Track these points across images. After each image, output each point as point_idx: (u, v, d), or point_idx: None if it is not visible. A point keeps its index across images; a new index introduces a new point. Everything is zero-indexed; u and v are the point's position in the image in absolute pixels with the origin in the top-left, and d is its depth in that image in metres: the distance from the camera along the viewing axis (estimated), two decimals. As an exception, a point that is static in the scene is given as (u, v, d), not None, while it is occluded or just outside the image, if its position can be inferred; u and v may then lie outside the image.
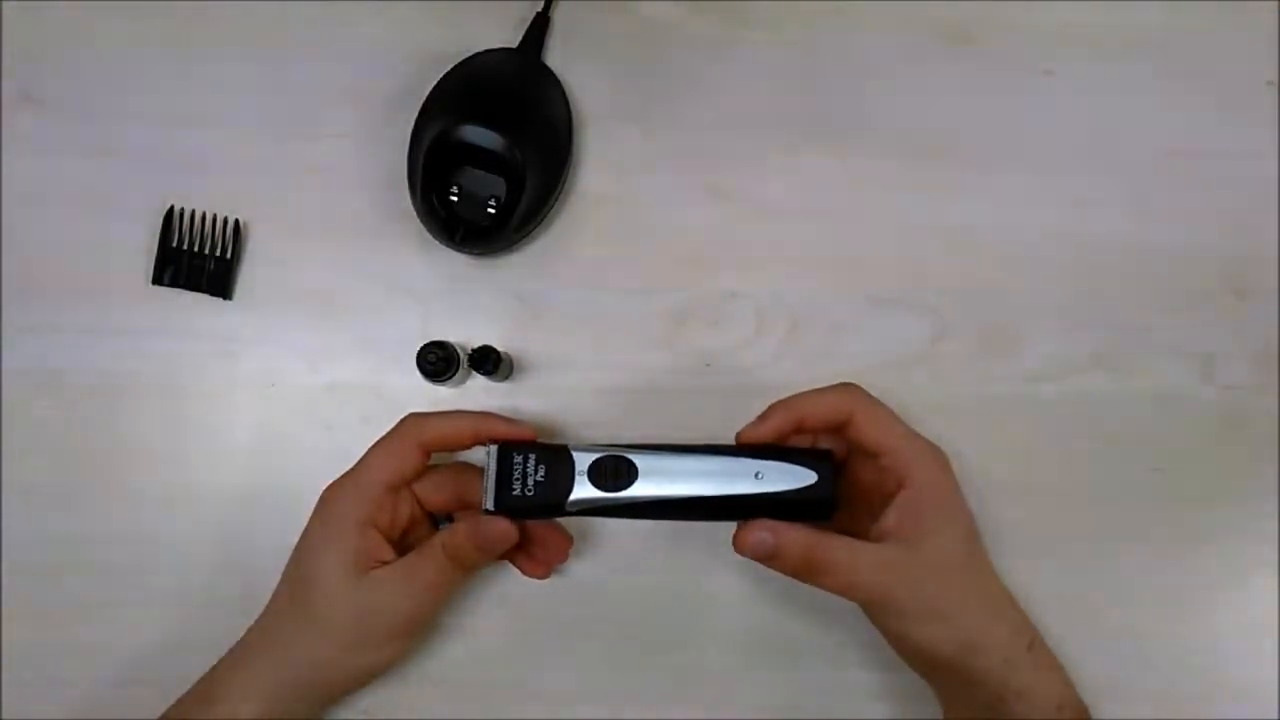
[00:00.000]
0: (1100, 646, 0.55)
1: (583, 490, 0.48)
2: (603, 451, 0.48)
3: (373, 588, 0.49)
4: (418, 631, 0.52)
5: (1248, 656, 0.56)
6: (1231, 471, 0.57)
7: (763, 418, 0.49)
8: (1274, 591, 0.56)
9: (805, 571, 0.48)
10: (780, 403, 0.49)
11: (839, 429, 0.50)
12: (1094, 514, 0.57)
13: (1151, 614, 0.56)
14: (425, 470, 0.52)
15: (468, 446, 0.52)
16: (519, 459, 0.48)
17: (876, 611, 0.49)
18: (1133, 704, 0.55)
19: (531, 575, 0.54)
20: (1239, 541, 0.57)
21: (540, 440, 0.50)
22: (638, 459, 0.48)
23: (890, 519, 0.48)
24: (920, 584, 0.48)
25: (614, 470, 0.48)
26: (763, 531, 0.47)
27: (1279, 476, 0.57)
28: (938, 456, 0.50)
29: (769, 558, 0.47)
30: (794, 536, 0.47)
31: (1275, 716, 0.55)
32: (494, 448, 0.48)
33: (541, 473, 0.48)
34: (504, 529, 0.49)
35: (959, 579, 0.49)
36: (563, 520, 0.54)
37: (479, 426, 0.51)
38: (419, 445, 0.51)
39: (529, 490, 0.48)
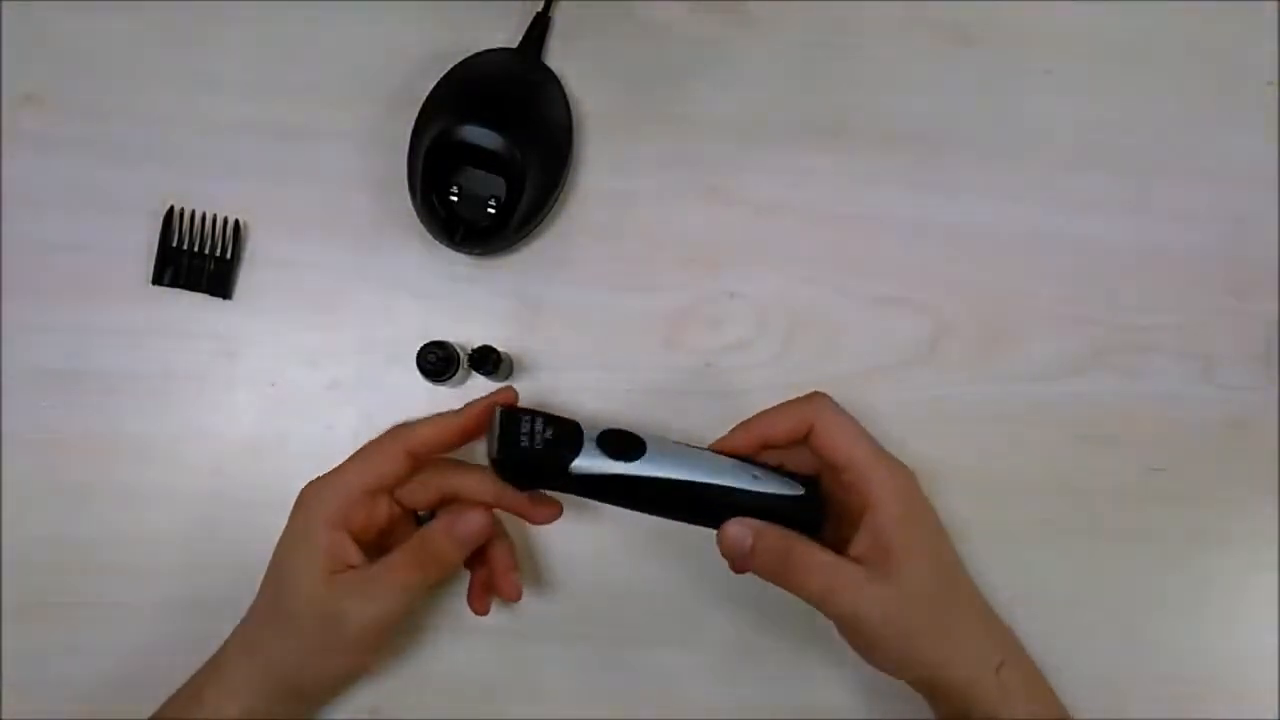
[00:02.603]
0: (1099, 646, 0.55)
1: (590, 455, 0.47)
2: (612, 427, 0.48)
3: (339, 592, 0.48)
4: (385, 637, 0.50)
5: (1248, 656, 0.56)
6: (1231, 471, 0.57)
7: (730, 436, 0.50)
8: (1274, 591, 0.56)
9: (783, 571, 0.47)
10: (742, 424, 0.50)
11: (804, 440, 0.49)
12: (1094, 514, 0.57)
13: (1151, 614, 0.56)
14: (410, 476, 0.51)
15: (458, 445, 0.51)
16: (526, 419, 0.47)
17: (846, 630, 0.49)
18: (1132, 704, 0.55)
19: (475, 610, 0.53)
20: (1239, 541, 0.57)
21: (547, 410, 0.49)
22: (646, 437, 0.48)
23: (859, 546, 0.48)
24: (890, 613, 0.47)
25: (622, 443, 0.47)
26: (742, 528, 0.47)
27: (1279, 476, 0.57)
28: (899, 476, 0.49)
29: (749, 555, 0.47)
30: (772, 535, 0.47)
31: (1275, 717, 0.55)
32: (498, 410, 0.47)
33: (550, 433, 0.47)
34: (480, 520, 0.49)
35: (928, 606, 0.48)
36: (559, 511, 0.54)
37: (466, 423, 0.50)
38: (406, 451, 0.50)
39: (537, 445, 0.46)
